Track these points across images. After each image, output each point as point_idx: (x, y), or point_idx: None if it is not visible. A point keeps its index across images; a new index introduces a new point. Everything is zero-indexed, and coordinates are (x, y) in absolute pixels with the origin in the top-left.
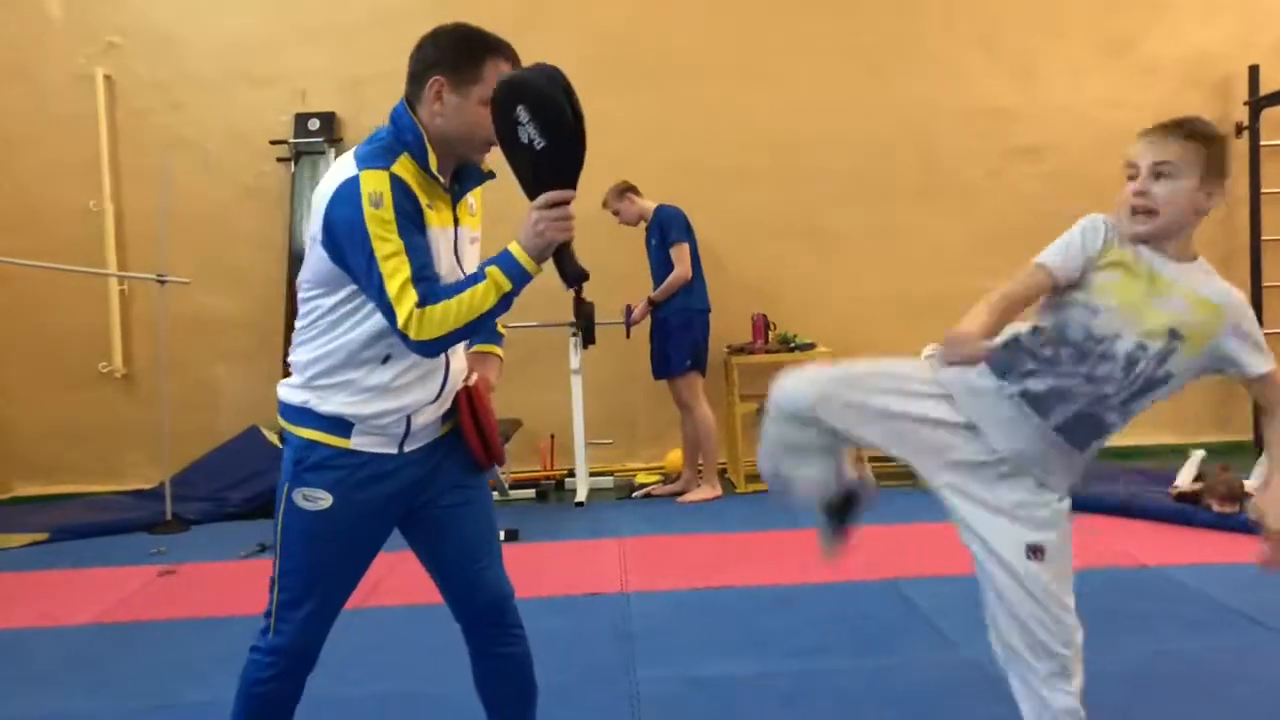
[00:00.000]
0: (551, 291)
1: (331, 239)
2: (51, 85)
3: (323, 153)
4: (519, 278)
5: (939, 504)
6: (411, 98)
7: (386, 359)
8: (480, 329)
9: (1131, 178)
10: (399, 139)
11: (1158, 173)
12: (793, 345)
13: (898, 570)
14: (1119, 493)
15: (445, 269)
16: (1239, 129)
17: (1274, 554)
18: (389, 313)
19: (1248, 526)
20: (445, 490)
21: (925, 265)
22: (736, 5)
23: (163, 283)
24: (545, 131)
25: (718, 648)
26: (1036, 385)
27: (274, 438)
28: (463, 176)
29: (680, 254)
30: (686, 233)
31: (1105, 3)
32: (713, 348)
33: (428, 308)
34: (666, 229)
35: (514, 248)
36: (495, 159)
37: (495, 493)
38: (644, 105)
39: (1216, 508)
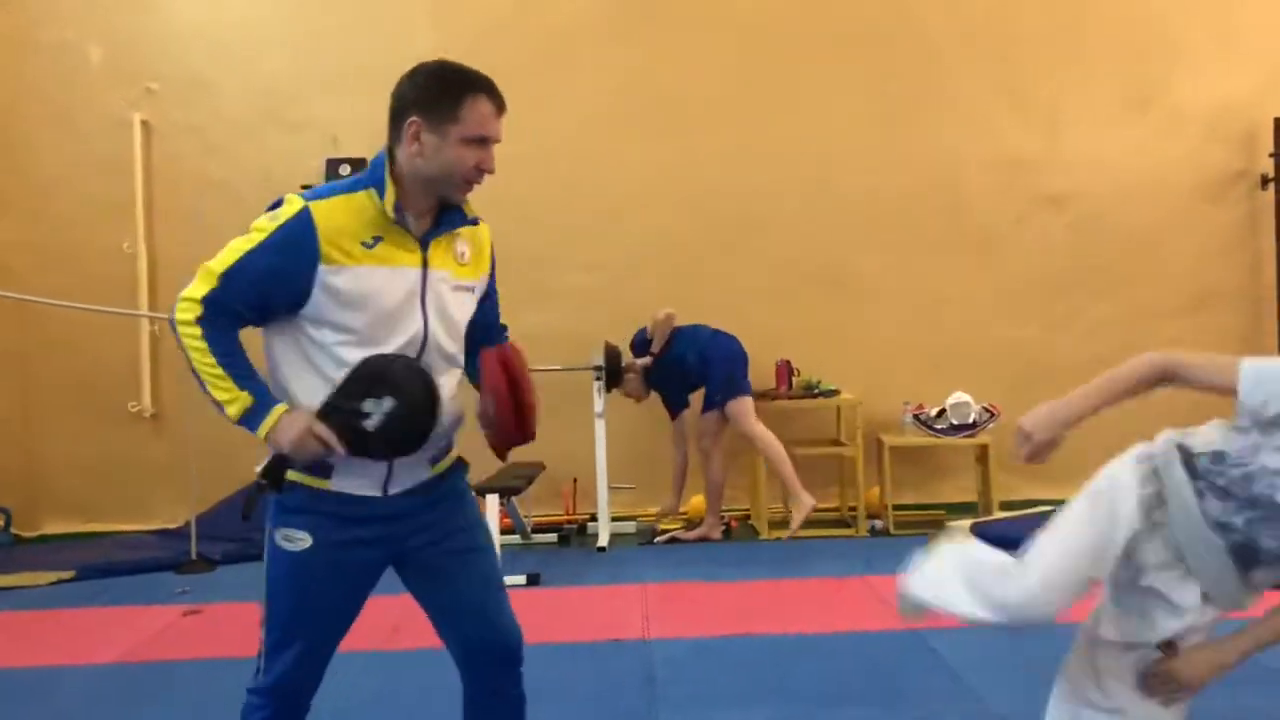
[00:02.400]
0: (576, 336)
1: None
2: (90, 128)
3: None
4: (247, 425)
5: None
6: (391, 139)
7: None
8: (198, 381)
9: None
10: (370, 176)
11: None
12: (816, 391)
13: (924, 621)
14: None
15: (392, 306)
16: (1264, 181)
17: None
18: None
19: None
20: (444, 535)
21: (949, 313)
22: (763, 50)
23: None
24: (381, 430)
25: (740, 695)
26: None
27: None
28: (442, 220)
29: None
30: None
31: (1129, 53)
32: None
33: (198, 329)
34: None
35: (274, 415)
36: (480, 204)
37: (518, 536)
38: (668, 149)
39: None
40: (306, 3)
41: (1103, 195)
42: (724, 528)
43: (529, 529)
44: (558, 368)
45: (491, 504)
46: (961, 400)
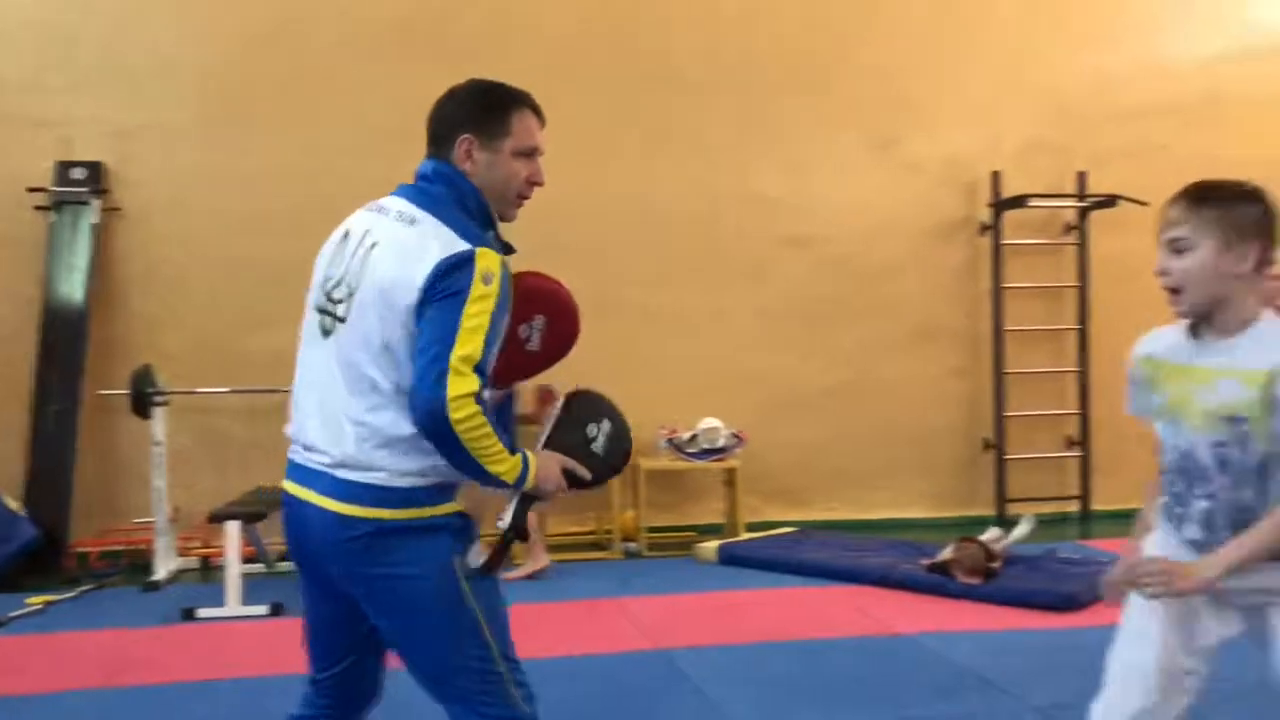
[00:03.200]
0: None
1: (426, 306)
2: None
3: (87, 203)
4: (519, 483)
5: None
6: (445, 158)
7: None
8: (458, 465)
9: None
10: (461, 205)
11: (1175, 248)
12: None
13: (671, 640)
14: (877, 564)
15: None
16: (983, 228)
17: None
18: (433, 372)
19: (993, 596)
20: None
21: (705, 341)
22: (529, 82)
23: None
24: (607, 449)
25: None
26: (1190, 530)
27: (13, 501)
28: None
29: None
30: None
31: (872, 107)
32: None
33: (480, 414)
34: None
35: (532, 462)
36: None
37: (261, 564)
38: None
39: (963, 579)
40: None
41: (844, 234)
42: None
43: (273, 557)
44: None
45: (232, 531)
46: (712, 425)
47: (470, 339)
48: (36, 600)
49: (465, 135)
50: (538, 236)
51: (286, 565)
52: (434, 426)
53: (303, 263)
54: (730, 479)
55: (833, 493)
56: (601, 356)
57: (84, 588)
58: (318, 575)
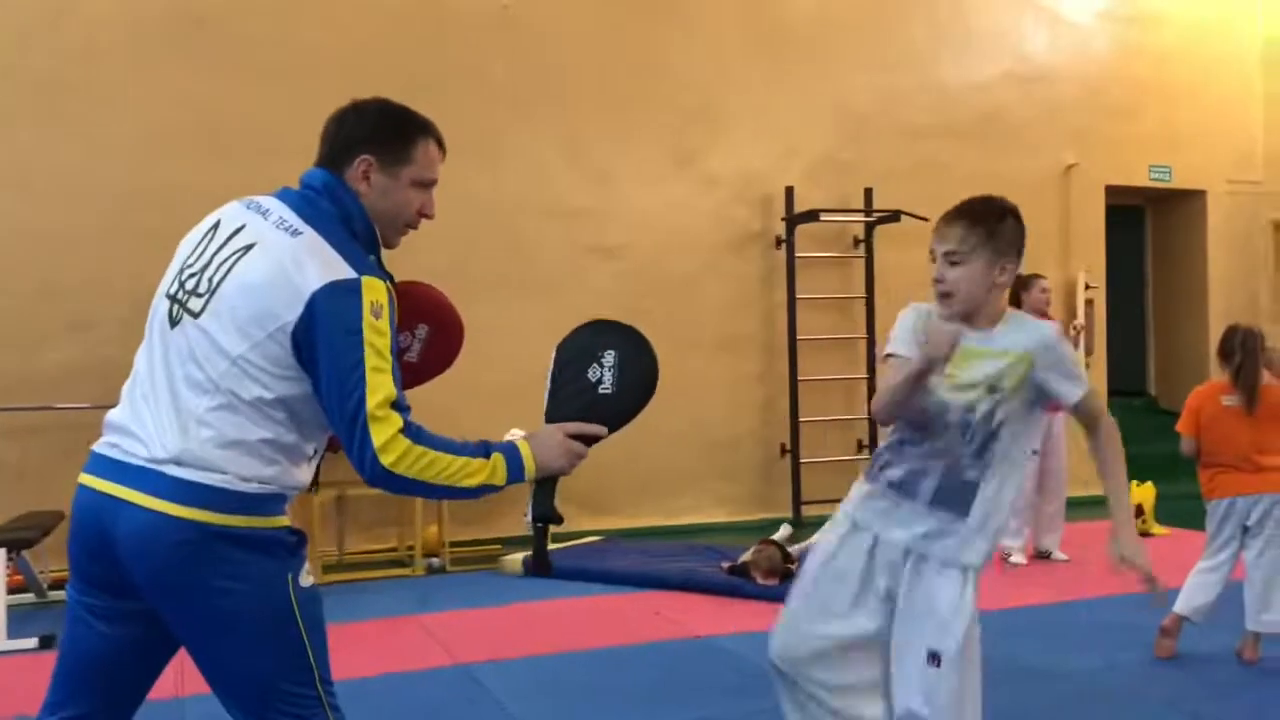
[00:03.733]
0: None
1: (311, 334)
2: None
3: None
4: (515, 478)
5: (507, 585)
6: (331, 174)
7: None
8: (437, 497)
9: (934, 260)
10: (347, 225)
11: (950, 260)
12: None
13: (472, 655)
14: (679, 569)
15: None
16: (778, 242)
17: (1149, 583)
18: (355, 429)
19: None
20: None
21: (510, 353)
22: (320, 87)
23: None
24: (620, 382)
25: None
26: (894, 473)
27: None
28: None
29: None
30: None
31: (674, 120)
32: None
33: (415, 446)
34: None
35: (525, 450)
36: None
37: (31, 594)
38: (210, 176)
39: (760, 580)
40: None
41: (648, 245)
42: None
43: (45, 586)
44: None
45: None
46: (515, 435)
47: (379, 386)
48: None
49: (366, 155)
50: None
51: (59, 594)
52: (384, 484)
53: (77, 278)
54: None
55: (638, 501)
56: None
57: None
58: (113, 588)
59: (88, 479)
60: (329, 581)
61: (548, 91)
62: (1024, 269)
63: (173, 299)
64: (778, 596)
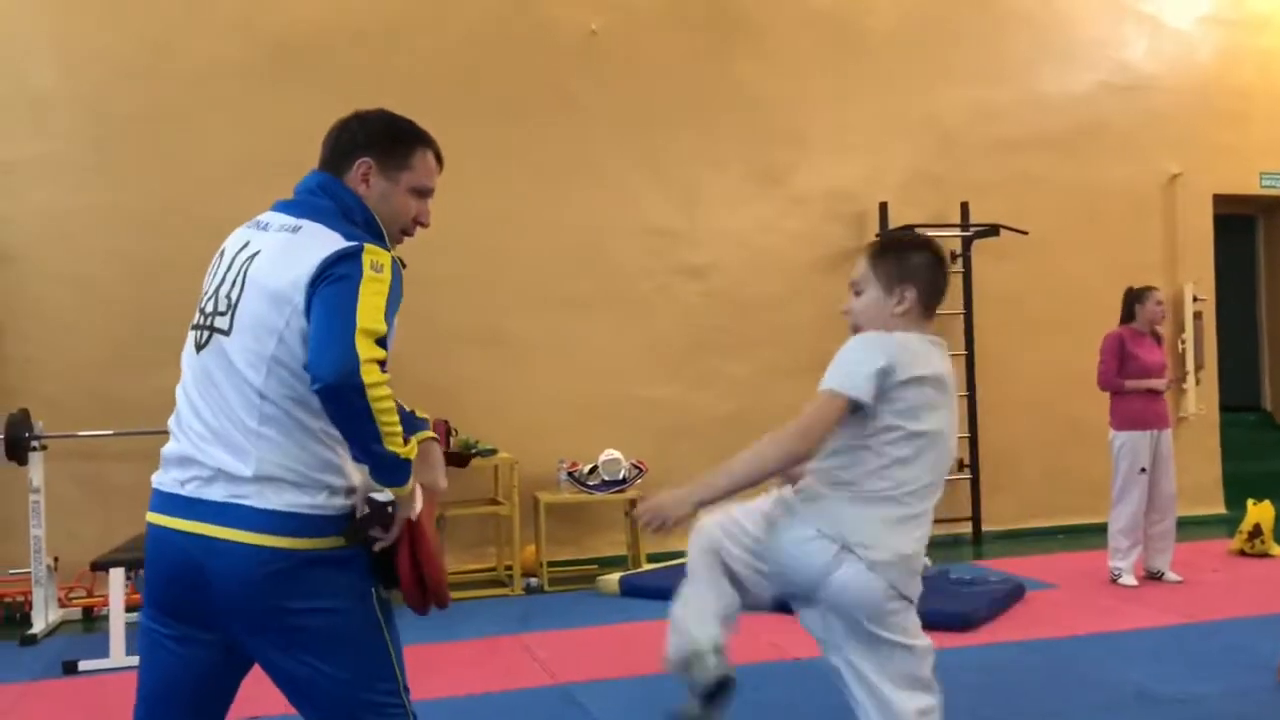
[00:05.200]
0: None
1: (314, 290)
2: None
3: None
4: (401, 475)
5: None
6: (335, 175)
7: None
8: (359, 440)
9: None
10: (346, 216)
11: (855, 290)
12: (474, 451)
13: (571, 675)
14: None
15: None
16: None
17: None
18: (343, 339)
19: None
20: None
21: (603, 372)
22: (420, 108)
23: None
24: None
25: None
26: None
27: None
28: None
29: None
30: None
31: (760, 140)
32: None
33: (387, 380)
34: None
35: (406, 488)
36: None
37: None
38: None
39: None
40: None
41: (735, 266)
42: None
43: None
44: None
45: (116, 579)
46: (612, 457)
47: (371, 315)
48: None
49: (366, 159)
50: (429, 267)
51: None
52: (344, 389)
53: (186, 301)
54: (632, 510)
55: None
56: (497, 389)
57: None
58: (194, 619)
59: (164, 519)
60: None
61: (634, 113)
62: (1130, 280)
63: (197, 327)
64: None
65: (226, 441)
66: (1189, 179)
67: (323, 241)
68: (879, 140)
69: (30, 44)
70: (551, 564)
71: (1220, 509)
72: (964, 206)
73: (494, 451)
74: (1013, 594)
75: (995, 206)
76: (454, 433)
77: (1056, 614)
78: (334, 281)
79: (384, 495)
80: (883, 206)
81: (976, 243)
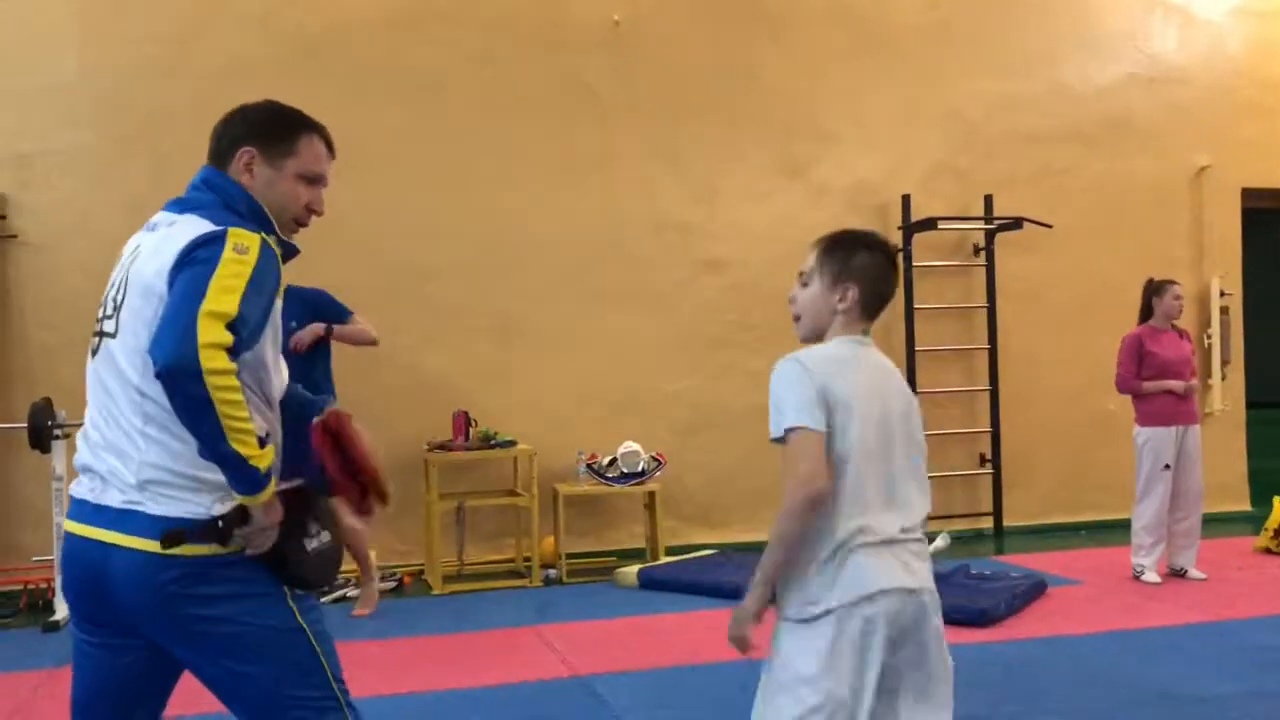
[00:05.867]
0: None
1: (173, 276)
2: None
3: None
4: (256, 484)
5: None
6: (220, 168)
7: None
8: (202, 436)
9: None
10: (228, 207)
11: (802, 281)
12: (493, 442)
13: (590, 667)
14: None
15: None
16: (895, 252)
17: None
18: (181, 321)
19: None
20: None
21: (622, 364)
22: (440, 101)
23: None
24: (319, 558)
25: None
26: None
27: None
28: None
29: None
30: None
31: (781, 132)
32: (413, 445)
33: (233, 374)
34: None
35: (273, 482)
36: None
37: None
38: (336, 193)
39: None
40: None
41: (757, 258)
42: (396, 583)
43: None
44: None
45: None
46: (631, 449)
47: (221, 296)
48: None
49: (247, 148)
50: (448, 258)
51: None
52: (179, 373)
53: None
54: (650, 502)
55: (752, 514)
56: (516, 380)
57: None
58: (112, 625)
59: (72, 525)
60: (449, 591)
61: (655, 105)
62: (1156, 274)
63: (93, 334)
64: None
65: (116, 445)
66: (1217, 172)
67: (191, 229)
68: (902, 132)
69: (57, 37)
70: (570, 556)
71: (1246, 506)
72: (987, 199)
73: (513, 443)
74: (1034, 590)
75: (1019, 200)
76: (473, 424)
77: (1079, 610)
78: (191, 265)
79: (222, 506)
80: (905, 199)
81: (1000, 236)
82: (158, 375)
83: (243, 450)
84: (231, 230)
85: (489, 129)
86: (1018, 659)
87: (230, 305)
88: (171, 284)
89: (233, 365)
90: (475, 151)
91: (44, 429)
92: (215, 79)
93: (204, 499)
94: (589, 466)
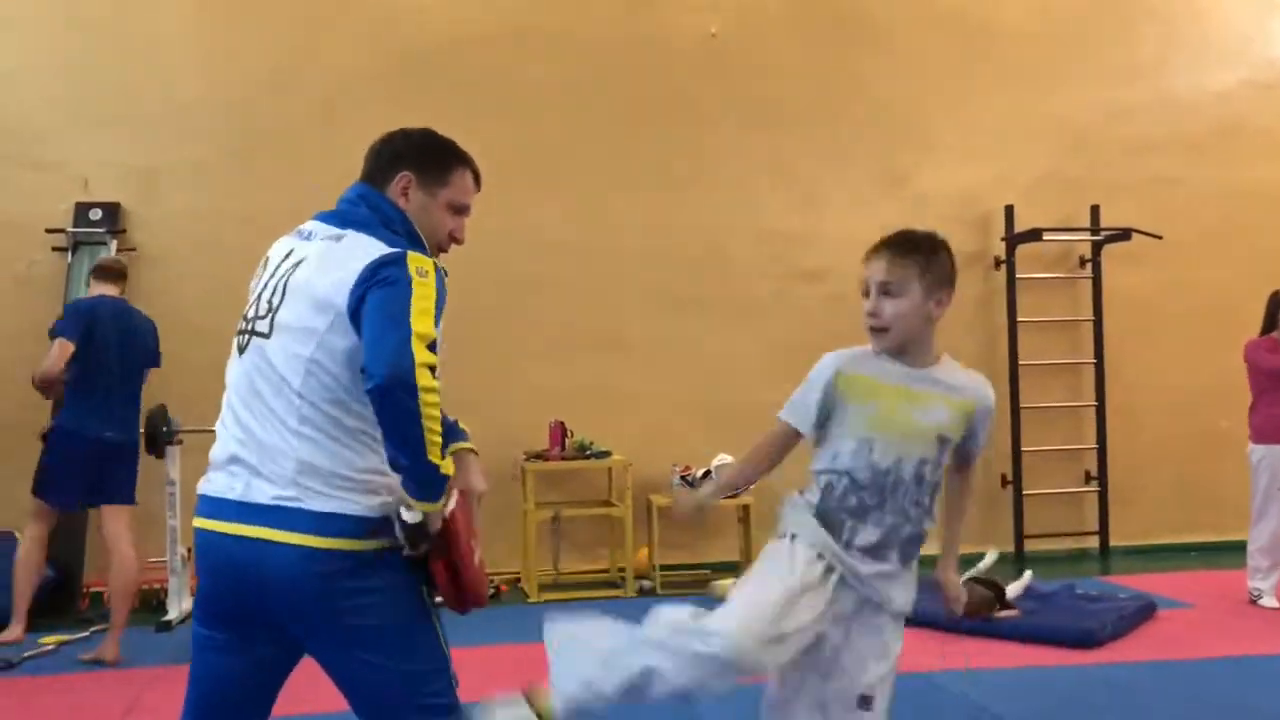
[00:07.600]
0: None
1: (363, 303)
2: None
3: (104, 244)
4: (436, 489)
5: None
6: (374, 187)
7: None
8: (403, 449)
9: (866, 294)
10: (387, 225)
11: (884, 291)
12: (588, 453)
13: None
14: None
15: None
16: (997, 262)
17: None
18: (397, 340)
19: (1011, 633)
20: None
21: (719, 376)
22: (544, 116)
23: None
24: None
25: None
26: (866, 538)
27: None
28: None
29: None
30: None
31: (882, 141)
32: (508, 454)
33: (438, 387)
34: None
35: (438, 505)
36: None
37: None
38: None
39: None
40: (62, 37)
41: (856, 269)
42: (493, 590)
43: None
44: None
45: None
46: (725, 462)
47: (422, 319)
48: (49, 640)
49: (406, 172)
50: (547, 271)
51: None
52: (397, 388)
53: None
54: (745, 516)
55: None
56: (612, 391)
57: (97, 628)
58: (245, 623)
59: (212, 523)
60: (545, 600)
61: (754, 116)
62: (1271, 286)
63: (241, 332)
64: (999, 632)
65: (268, 443)
66: None
67: (366, 248)
68: (1006, 141)
69: (179, 55)
70: (664, 567)
71: None
72: (1094, 210)
73: (608, 454)
74: (1142, 612)
75: (1127, 210)
76: (569, 434)
77: (1189, 634)
78: (383, 285)
79: (413, 515)
80: (1009, 209)
81: (1107, 247)
82: (372, 390)
83: (434, 458)
84: (410, 255)
85: (590, 143)
86: (1123, 682)
87: (429, 328)
88: (359, 300)
89: (437, 383)
90: (577, 166)
91: (159, 435)
92: (326, 95)
93: (358, 498)
94: (683, 478)
